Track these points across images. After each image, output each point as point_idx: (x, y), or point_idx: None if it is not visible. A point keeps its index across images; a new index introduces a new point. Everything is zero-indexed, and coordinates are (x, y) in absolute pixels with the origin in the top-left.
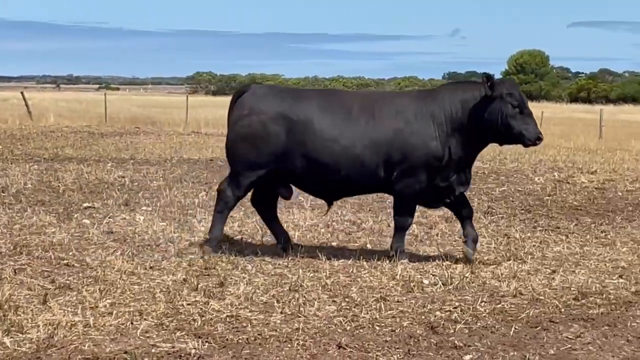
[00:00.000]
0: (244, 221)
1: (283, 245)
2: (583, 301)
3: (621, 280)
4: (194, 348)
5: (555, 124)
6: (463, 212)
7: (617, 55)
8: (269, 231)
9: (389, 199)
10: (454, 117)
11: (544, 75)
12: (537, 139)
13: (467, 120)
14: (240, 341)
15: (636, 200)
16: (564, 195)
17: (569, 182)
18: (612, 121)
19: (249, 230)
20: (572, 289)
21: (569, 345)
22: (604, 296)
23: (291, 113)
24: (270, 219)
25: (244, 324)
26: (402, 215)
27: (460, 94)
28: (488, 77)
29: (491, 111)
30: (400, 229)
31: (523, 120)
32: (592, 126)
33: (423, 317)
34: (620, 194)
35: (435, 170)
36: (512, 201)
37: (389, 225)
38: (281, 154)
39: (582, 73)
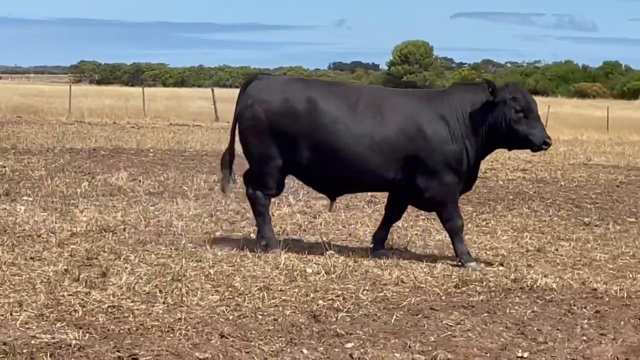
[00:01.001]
0: (127, 211)
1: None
2: (464, 289)
3: (501, 268)
4: (75, 339)
5: None
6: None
7: (499, 46)
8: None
9: None
10: (464, 120)
11: (428, 65)
12: (544, 144)
13: (476, 124)
14: (121, 331)
15: (517, 189)
16: None
17: None
18: None
19: (132, 220)
20: (453, 276)
21: (449, 332)
22: (484, 284)
23: (296, 103)
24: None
25: (126, 314)
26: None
27: (471, 97)
28: (489, 83)
29: (495, 116)
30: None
31: (528, 125)
32: None
33: (306, 305)
34: (501, 182)
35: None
36: None
37: (272, 215)
38: (286, 145)
39: (466, 63)
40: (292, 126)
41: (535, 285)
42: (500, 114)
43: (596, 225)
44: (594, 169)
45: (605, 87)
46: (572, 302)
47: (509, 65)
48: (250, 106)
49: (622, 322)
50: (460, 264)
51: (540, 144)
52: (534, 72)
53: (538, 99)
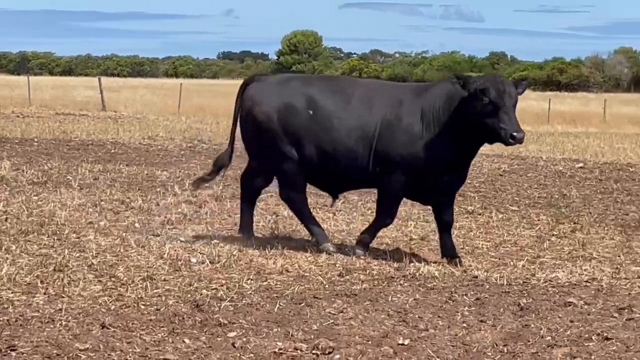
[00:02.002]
0: (9, 201)
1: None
2: (347, 277)
3: (385, 256)
4: None
5: None
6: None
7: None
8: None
9: (160, 179)
10: (439, 115)
11: (317, 55)
12: (511, 137)
13: (452, 116)
14: (0, 323)
15: None
16: None
17: None
18: None
19: (14, 210)
20: (337, 265)
21: (332, 320)
22: (368, 272)
23: (294, 102)
24: (249, 205)
25: (5, 306)
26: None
27: (448, 91)
28: (458, 77)
29: (466, 109)
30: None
31: (497, 117)
32: None
33: (189, 295)
34: None
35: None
36: None
37: (157, 204)
38: (286, 144)
39: (355, 53)
40: (292, 125)
41: (417, 273)
42: (470, 105)
43: (479, 214)
44: (479, 158)
45: None
46: (453, 289)
47: (397, 55)
48: (251, 110)
49: (501, 309)
50: (356, 250)
51: (507, 138)
52: (421, 62)
53: None
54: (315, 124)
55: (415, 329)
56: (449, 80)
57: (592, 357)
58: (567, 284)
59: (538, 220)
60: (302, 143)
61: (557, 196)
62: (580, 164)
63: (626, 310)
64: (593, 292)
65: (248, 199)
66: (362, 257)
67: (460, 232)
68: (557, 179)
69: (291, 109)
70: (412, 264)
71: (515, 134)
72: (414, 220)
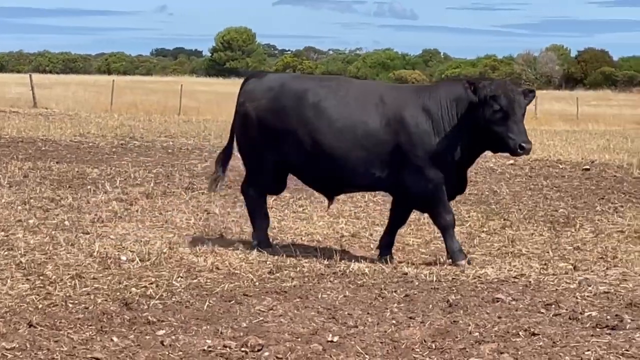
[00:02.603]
0: None
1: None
2: (277, 274)
3: (315, 253)
4: None
5: None
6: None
7: (321, 34)
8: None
9: (90, 176)
10: (448, 117)
11: (251, 52)
12: (520, 148)
13: (460, 120)
14: None
15: None
16: None
17: None
18: None
19: None
20: (267, 262)
21: (261, 318)
22: (298, 269)
23: (285, 100)
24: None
25: None
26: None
27: (456, 93)
28: (470, 82)
29: (475, 115)
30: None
31: (506, 127)
32: None
33: (118, 293)
34: None
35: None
36: None
37: (88, 202)
38: (277, 143)
39: (289, 50)
40: (282, 123)
41: (347, 270)
42: (480, 112)
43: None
44: None
45: (424, 75)
46: (383, 286)
47: (331, 52)
48: (242, 104)
49: (430, 306)
50: (450, 261)
51: (516, 148)
52: (355, 59)
53: None
54: (308, 123)
55: (344, 325)
56: (457, 81)
57: (519, 352)
58: (496, 280)
59: (468, 217)
60: (291, 142)
61: (487, 193)
62: (511, 161)
63: (553, 305)
64: (521, 288)
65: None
66: (467, 265)
67: None
68: (487, 176)
69: (283, 107)
70: (342, 261)
71: (524, 144)
72: (345, 217)
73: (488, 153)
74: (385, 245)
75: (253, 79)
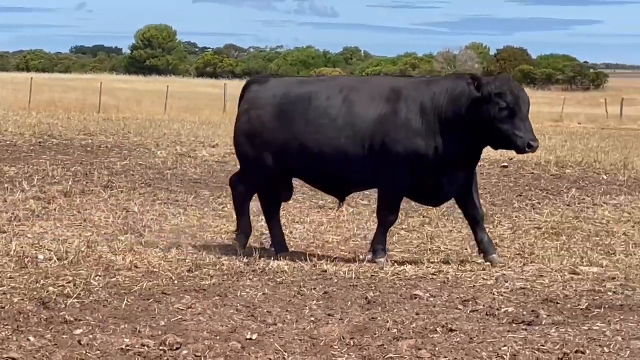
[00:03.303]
0: None
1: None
2: (197, 273)
3: (235, 251)
4: None
5: (180, 99)
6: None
7: (242, 32)
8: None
9: (8, 175)
10: (444, 113)
11: (172, 50)
12: (528, 147)
13: (459, 116)
14: None
15: None
16: (185, 169)
17: (190, 156)
18: (237, 95)
19: None
20: (187, 261)
21: (180, 316)
22: (218, 267)
23: (289, 104)
24: (271, 218)
25: None
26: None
27: (456, 89)
28: (474, 78)
29: (478, 112)
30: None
31: (512, 124)
32: (218, 100)
33: (35, 293)
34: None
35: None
36: (133, 175)
37: (5, 201)
38: (283, 150)
39: (209, 48)
40: (288, 130)
41: (267, 268)
42: (484, 109)
43: (330, 209)
44: None
45: (345, 73)
46: (302, 283)
47: (252, 50)
48: (247, 111)
49: (349, 303)
50: (370, 256)
51: (524, 147)
52: (276, 57)
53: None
54: (313, 128)
55: (263, 323)
56: (460, 77)
57: (437, 348)
58: (414, 277)
59: None
60: (298, 148)
61: None
62: None
63: (470, 302)
64: (439, 284)
65: (271, 216)
66: (383, 264)
67: (311, 226)
68: None
69: (289, 113)
70: (262, 259)
71: (532, 142)
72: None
73: None
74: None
75: (255, 85)
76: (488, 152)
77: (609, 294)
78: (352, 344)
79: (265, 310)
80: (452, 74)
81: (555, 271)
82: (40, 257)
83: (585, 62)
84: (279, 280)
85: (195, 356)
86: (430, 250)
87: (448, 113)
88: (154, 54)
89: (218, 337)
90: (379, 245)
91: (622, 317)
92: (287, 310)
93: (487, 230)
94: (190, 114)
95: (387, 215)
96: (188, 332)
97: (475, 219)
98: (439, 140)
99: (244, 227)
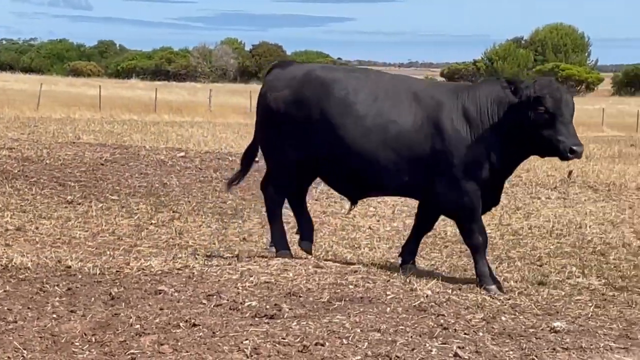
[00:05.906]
0: None
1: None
2: None
3: None
4: None
5: None
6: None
7: None
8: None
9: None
10: (487, 120)
11: None
12: (570, 152)
13: (501, 124)
14: None
15: (1, 167)
16: None
17: None
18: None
19: None
20: None
21: None
22: None
23: (309, 91)
24: (298, 207)
25: None
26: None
27: (497, 94)
28: (510, 82)
29: (518, 117)
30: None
31: (554, 129)
32: None
33: None
34: None
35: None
36: None
37: None
38: (300, 138)
39: None
40: (305, 116)
41: (10, 265)
42: (524, 114)
43: (79, 204)
44: (82, 147)
45: (100, 66)
46: (44, 280)
47: (4, 42)
48: (264, 95)
49: (92, 299)
50: (480, 285)
51: (567, 152)
52: (29, 49)
53: (38, 76)
54: (333, 117)
55: (3, 321)
56: (498, 81)
57: (179, 343)
58: (160, 272)
59: (137, 209)
60: (315, 138)
61: (157, 185)
62: (182, 153)
63: (214, 296)
64: (184, 279)
65: (295, 204)
66: (495, 291)
67: (58, 222)
68: (158, 168)
69: (307, 97)
70: (4, 255)
71: (575, 147)
72: (10, 211)
73: None
74: (409, 253)
75: (276, 69)
76: (240, 148)
77: (350, 286)
78: (93, 340)
79: (6, 308)
80: (491, 78)
81: (300, 265)
82: None
83: (339, 58)
84: (21, 276)
85: None
86: (178, 245)
87: (493, 119)
88: None
89: None
90: (481, 272)
91: (361, 310)
92: (29, 308)
93: (237, 225)
94: None
95: (473, 237)
96: None
97: (427, 230)
98: (490, 150)
99: (279, 239)
